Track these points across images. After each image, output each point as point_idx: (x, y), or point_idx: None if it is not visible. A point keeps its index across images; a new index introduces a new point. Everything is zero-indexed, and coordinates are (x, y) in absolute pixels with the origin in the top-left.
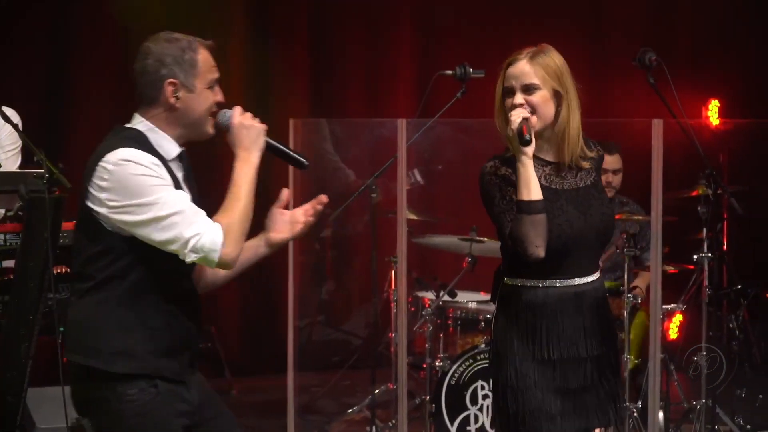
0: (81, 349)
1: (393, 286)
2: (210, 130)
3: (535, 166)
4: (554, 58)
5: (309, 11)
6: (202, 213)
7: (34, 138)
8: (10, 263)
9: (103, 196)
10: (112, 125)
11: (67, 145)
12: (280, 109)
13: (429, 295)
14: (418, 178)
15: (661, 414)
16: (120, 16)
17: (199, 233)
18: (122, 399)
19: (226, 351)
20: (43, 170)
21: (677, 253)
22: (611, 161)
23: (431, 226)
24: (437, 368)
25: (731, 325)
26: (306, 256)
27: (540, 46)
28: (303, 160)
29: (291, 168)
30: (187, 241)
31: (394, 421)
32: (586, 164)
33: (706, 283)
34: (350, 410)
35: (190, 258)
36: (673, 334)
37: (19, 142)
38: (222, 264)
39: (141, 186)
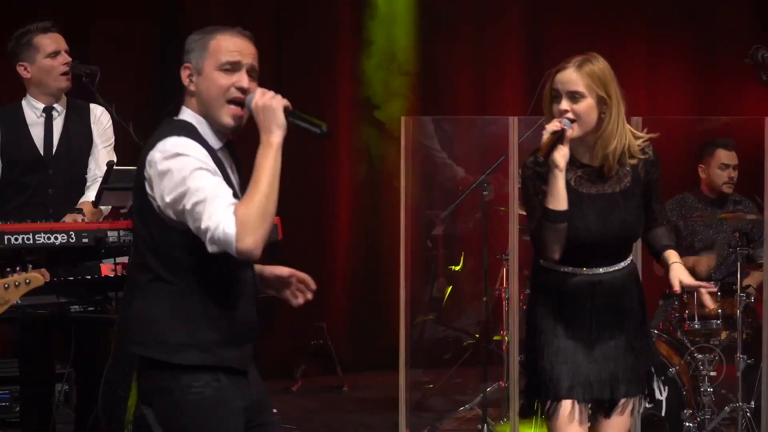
0: (145, 341)
1: (505, 284)
2: (226, 118)
3: (568, 166)
4: (600, 66)
5: (417, 8)
6: (227, 202)
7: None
8: (123, 260)
9: (155, 186)
10: None
11: None
12: (391, 107)
13: None
14: None
15: None
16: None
17: (216, 224)
18: (186, 391)
19: (336, 348)
20: None
21: None
22: (729, 156)
23: None
24: None
25: None
26: (417, 253)
27: (587, 54)
28: (322, 129)
29: (402, 164)
30: (206, 232)
31: (505, 419)
32: (630, 163)
33: None
34: (462, 408)
35: (212, 249)
36: None
37: (113, 139)
38: (243, 255)
39: (182, 175)
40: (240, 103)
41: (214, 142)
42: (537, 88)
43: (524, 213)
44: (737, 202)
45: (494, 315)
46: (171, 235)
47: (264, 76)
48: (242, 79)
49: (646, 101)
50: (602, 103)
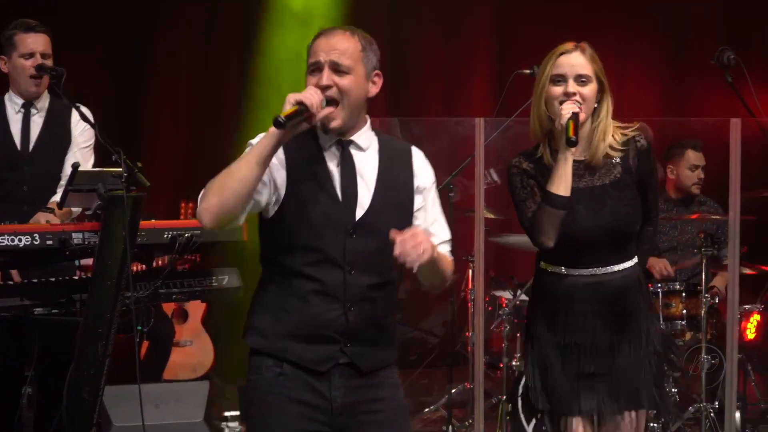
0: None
1: (470, 285)
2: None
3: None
4: (595, 53)
5: (385, 9)
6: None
7: (110, 137)
8: (88, 261)
9: None
10: (189, 125)
11: (143, 144)
12: None
13: (506, 295)
14: (495, 177)
15: (738, 414)
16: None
17: None
18: (253, 371)
19: None
20: (121, 169)
21: (755, 252)
22: (698, 158)
23: (508, 224)
24: (514, 368)
25: None
26: None
27: (579, 42)
28: (280, 118)
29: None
30: None
31: (470, 421)
32: (616, 154)
33: None
34: (427, 409)
35: None
36: (750, 334)
37: (93, 140)
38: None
39: None
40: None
41: None
42: (504, 89)
43: (491, 215)
44: (702, 203)
45: (460, 316)
46: (262, 226)
47: (232, 78)
48: None
49: (615, 102)
50: (601, 90)
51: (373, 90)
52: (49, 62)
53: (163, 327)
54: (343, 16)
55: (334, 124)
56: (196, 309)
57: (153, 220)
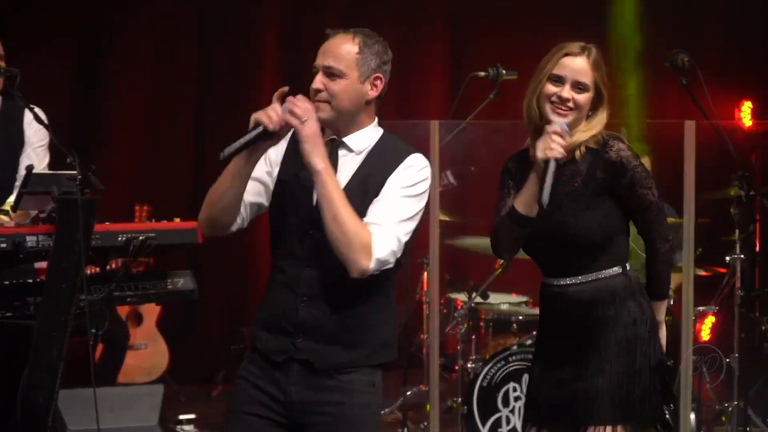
0: None
1: (425, 288)
2: None
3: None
4: (600, 58)
5: (341, 11)
6: None
7: (64, 139)
8: (42, 265)
9: None
10: (143, 128)
11: (98, 146)
12: None
13: (461, 297)
14: (451, 179)
15: (693, 416)
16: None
17: None
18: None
19: None
20: (75, 172)
21: (710, 254)
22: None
23: (464, 227)
24: (469, 370)
25: (763, 327)
26: None
27: (590, 45)
28: (222, 155)
29: None
30: None
31: (425, 423)
32: (581, 163)
33: (738, 284)
34: (382, 412)
35: None
36: (705, 335)
37: (47, 139)
38: None
39: None
40: None
41: None
42: (459, 92)
43: (446, 218)
44: None
45: (415, 318)
46: None
47: (189, 83)
48: None
49: None
50: (598, 99)
51: (372, 93)
52: (1, 63)
53: (118, 330)
54: (297, 19)
55: (320, 114)
56: (150, 312)
57: (107, 223)
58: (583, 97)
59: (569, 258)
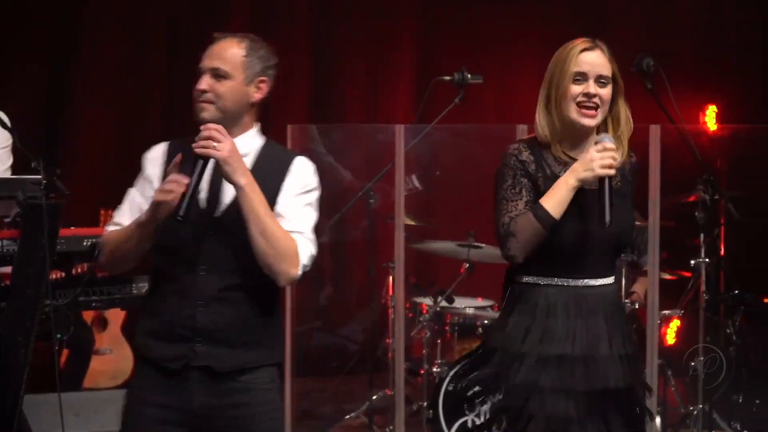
0: None
1: (391, 292)
2: None
3: (565, 161)
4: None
5: (309, 16)
6: None
7: (30, 144)
8: (7, 269)
9: None
10: (110, 133)
11: (63, 151)
12: (279, 114)
13: (427, 301)
14: (416, 183)
15: (658, 419)
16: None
17: None
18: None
19: None
20: (40, 176)
21: (674, 258)
22: None
23: (429, 231)
24: (435, 374)
25: (728, 331)
26: None
27: (598, 40)
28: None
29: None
30: None
31: (391, 427)
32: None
33: (703, 288)
34: (348, 416)
35: None
36: (670, 339)
37: (10, 141)
38: None
39: None
40: None
41: None
42: (424, 96)
43: (411, 222)
44: None
45: (380, 322)
46: None
47: (156, 92)
48: None
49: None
50: (617, 91)
51: (257, 95)
52: None
53: (83, 335)
54: (265, 22)
55: (205, 114)
56: (115, 317)
57: (73, 228)
58: (606, 91)
59: (612, 258)
